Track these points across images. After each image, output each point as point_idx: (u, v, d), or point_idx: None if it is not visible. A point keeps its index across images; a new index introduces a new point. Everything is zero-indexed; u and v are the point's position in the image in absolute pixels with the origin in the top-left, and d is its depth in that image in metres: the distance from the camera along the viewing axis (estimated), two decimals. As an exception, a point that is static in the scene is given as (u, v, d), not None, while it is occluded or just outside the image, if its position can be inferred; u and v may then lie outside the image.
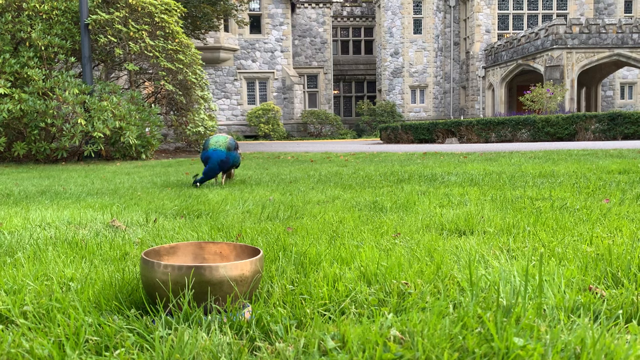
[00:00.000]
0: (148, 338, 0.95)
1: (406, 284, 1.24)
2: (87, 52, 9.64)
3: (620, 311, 1.04)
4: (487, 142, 16.73)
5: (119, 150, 9.60)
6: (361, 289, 1.21)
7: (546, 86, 21.65)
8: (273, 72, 28.55)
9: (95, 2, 10.22)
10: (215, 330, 0.97)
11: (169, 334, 0.97)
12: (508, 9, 29.55)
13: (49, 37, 9.50)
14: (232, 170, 4.55)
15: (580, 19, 23.22)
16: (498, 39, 29.02)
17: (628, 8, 30.39)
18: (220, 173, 4.39)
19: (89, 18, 9.62)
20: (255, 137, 27.24)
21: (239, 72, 28.26)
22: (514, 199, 2.89)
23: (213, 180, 4.78)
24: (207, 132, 11.93)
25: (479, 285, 1.15)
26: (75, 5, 10.09)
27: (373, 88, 34.57)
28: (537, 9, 29.49)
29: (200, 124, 11.85)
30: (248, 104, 28.55)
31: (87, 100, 9.04)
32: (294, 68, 29.88)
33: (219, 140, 4.28)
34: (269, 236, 1.94)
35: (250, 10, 27.85)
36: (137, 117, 9.47)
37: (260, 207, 2.78)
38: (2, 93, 8.62)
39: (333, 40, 34.24)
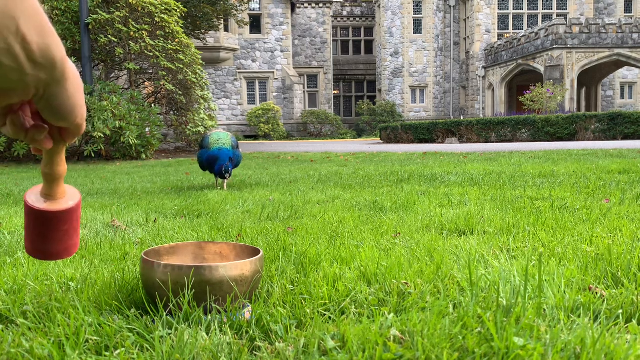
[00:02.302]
0: (148, 338, 0.95)
1: (406, 283, 1.24)
2: (87, 52, 9.64)
3: (620, 311, 1.04)
4: (487, 142, 16.73)
5: (119, 150, 9.60)
6: (361, 289, 1.21)
7: (546, 86, 21.66)
8: (273, 72, 28.55)
9: (95, 2, 10.23)
10: (215, 330, 0.97)
11: (169, 334, 0.97)
12: (508, 9, 29.55)
13: (49, 37, 9.49)
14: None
15: (580, 19, 23.22)
16: (498, 39, 29.02)
17: (628, 8, 30.38)
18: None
19: (89, 18, 9.62)
20: (255, 137, 27.25)
21: (239, 72, 28.27)
22: (514, 199, 2.89)
23: (214, 180, 4.77)
24: (207, 132, 11.93)
25: (479, 285, 1.15)
26: (75, 5, 10.09)
27: (373, 88, 34.58)
28: (537, 9, 29.49)
29: (200, 123, 11.85)
30: (248, 103, 28.55)
31: (87, 100, 9.04)
32: (294, 68, 29.89)
33: (222, 138, 3.83)
34: (269, 236, 1.94)
35: (250, 10, 27.85)
36: (137, 117, 9.47)
37: (260, 207, 2.78)
38: (2, 93, 8.62)
39: (333, 40, 34.24)
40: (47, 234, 0.75)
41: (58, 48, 0.52)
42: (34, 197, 0.75)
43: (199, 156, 3.87)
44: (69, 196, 0.76)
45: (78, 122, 0.61)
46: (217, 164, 3.75)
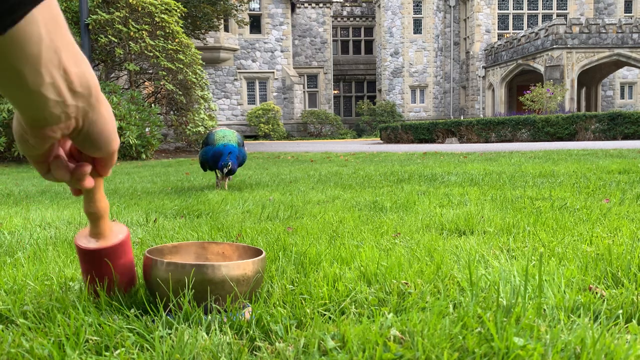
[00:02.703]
0: (148, 338, 0.95)
1: (406, 283, 1.25)
2: (87, 52, 9.64)
3: (620, 311, 1.04)
4: (487, 142, 16.74)
5: (119, 150, 9.60)
6: (361, 288, 1.21)
7: (546, 86, 21.66)
8: (273, 72, 28.55)
9: (95, 2, 10.23)
10: (215, 330, 0.97)
11: (169, 334, 0.97)
12: (508, 9, 29.55)
13: (49, 37, 9.50)
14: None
15: (580, 19, 23.22)
16: (498, 39, 29.02)
17: (628, 8, 30.39)
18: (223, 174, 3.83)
19: (89, 18, 9.62)
20: (255, 137, 27.25)
21: (239, 72, 28.26)
22: (514, 198, 2.89)
23: (214, 180, 4.76)
24: (207, 131, 11.93)
25: (479, 285, 1.15)
26: (75, 5, 10.09)
27: (373, 88, 34.58)
28: (537, 9, 29.49)
29: (200, 123, 11.86)
30: (248, 103, 28.55)
31: (87, 100, 9.04)
32: (294, 68, 29.89)
33: (227, 135, 3.69)
34: (269, 236, 1.94)
35: (250, 10, 27.85)
36: (137, 117, 9.47)
37: (260, 207, 2.78)
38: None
39: (333, 40, 34.25)
40: (107, 269, 0.79)
41: (92, 75, 0.52)
42: (85, 240, 0.76)
43: (202, 154, 3.73)
44: (117, 230, 0.80)
45: (114, 149, 0.62)
46: (221, 160, 3.63)
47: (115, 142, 0.61)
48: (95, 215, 0.73)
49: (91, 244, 0.76)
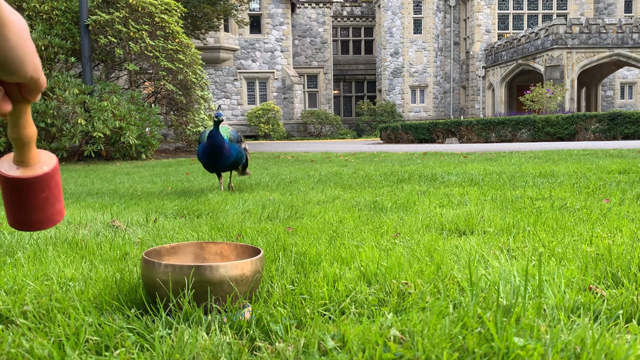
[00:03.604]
0: (148, 338, 0.95)
1: (406, 283, 1.25)
2: (87, 52, 9.64)
3: (620, 311, 1.04)
4: (487, 142, 16.74)
5: (119, 150, 9.60)
6: (361, 288, 1.21)
7: (546, 86, 21.65)
8: (273, 72, 28.53)
9: (95, 2, 10.22)
10: (215, 330, 0.97)
11: (169, 334, 0.97)
12: (508, 9, 29.54)
13: (49, 37, 9.50)
14: (241, 168, 3.95)
15: (580, 19, 23.21)
16: (498, 39, 29.01)
17: (628, 8, 30.38)
18: (223, 174, 3.77)
19: (89, 18, 9.62)
20: (255, 137, 27.24)
21: (239, 72, 28.25)
22: (514, 198, 2.89)
23: (214, 181, 4.76)
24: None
25: (479, 285, 1.15)
26: (75, 5, 10.09)
27: (373, 88, 34.56)
28: (537, 9, 29.48)
29: (200, 123, 11.86)
30: (248, 104, 28.54)
31: (87, 100, 9.04)
32: (294, 68, 29.87)
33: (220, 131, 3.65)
34: (269, 236, 1.94)
35: (250, 10, 27.84)
36: (137, 117, 9.47)
37: (260, 207, 2.78)
38: (2, 93, 8.61)
39: (333, 40, 34.23)
40: (25, 202, 0.72)
41: None
42: (7, 165, 0.72)
43: (197, 153, 3.70)
44: (43, 161, 0.73)
45: (32, 75, 0.58)
46: (211, 151, 3.56)
47: (32, 68, 0.57)
48: (20, 142, 0.69)
49: (11, 171, 0.70)
